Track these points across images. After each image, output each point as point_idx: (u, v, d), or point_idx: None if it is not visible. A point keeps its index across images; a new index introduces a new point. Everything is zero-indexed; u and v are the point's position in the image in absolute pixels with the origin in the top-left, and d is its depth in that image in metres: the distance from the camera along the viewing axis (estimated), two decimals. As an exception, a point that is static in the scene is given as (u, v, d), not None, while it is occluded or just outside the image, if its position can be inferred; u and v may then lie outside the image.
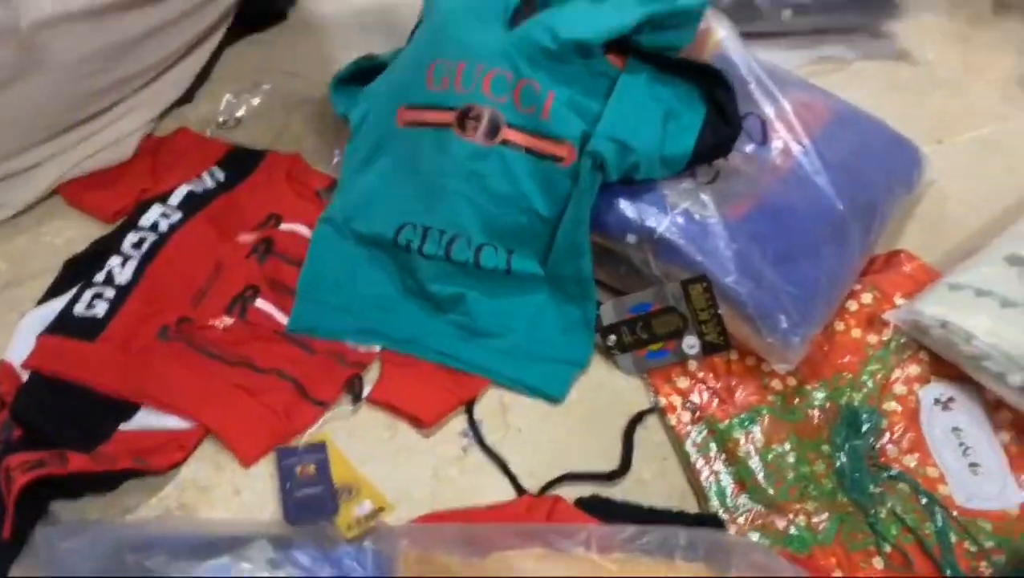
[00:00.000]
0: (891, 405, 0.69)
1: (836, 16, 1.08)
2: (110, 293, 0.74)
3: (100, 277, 0.75)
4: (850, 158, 0.78)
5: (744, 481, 0.66)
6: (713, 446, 0.68)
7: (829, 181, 0.75)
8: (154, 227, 0.80)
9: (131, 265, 0.76)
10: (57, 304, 0.74)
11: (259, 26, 1.08)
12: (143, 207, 0.82)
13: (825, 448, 0.68)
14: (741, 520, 0.64)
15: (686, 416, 0.70)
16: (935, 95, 1.05)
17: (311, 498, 0.63)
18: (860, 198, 0.76)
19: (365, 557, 0.59)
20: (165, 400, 0.67)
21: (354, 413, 0.70)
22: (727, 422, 0.69)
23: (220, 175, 0.87)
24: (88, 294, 0.74)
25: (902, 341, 0.72)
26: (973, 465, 0.67)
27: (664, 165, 0.72)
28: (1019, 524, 0.63)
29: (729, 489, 0.66)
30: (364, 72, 0.84)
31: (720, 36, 0.81)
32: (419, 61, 0.77)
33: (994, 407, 0.69)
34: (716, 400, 0.71)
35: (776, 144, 0.77)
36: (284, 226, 0.82)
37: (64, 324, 0.72)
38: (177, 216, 0.81)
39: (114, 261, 0.77)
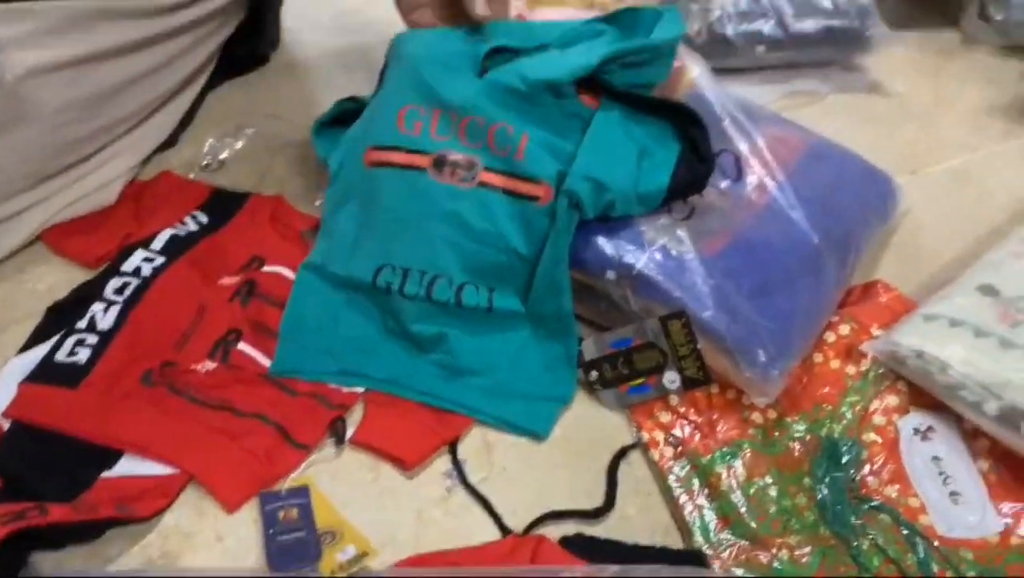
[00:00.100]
0: (871, 436, 0.70)
1: (809, 51, 1.11)
2: (92, 339, 0.74)
3: (82, 324, 0.75)
4: (825, 191, 0.79)
5: (727, 516, 0.66)
6: (696, 481, 0.68)
7: (804, 215, 0.76)
8: (137, 272, 0.80)
9: (114, 311, 0.76)
10: (40, 351, 0.74)
11: (242, 69, 1.10)
12: (126, 252, 0.82)
13: (807, 481, 0.68)
14: (725, 555, 0.64)
15: (668, 451, 0.70)
16: (907, 127, 1.07)
17: (294, 543, 0.62)
18: (835, 231, 0.77)
19: (349, 603, 0.59)
20: (147, 446, 0.67)
21: (337, 456, 0.70)
22: (709, 457, 0.69)
23: (203, 218, 0.88)
24: (70, 341, 0.74)
25: (880, 372, 0.73)
26: (954, 494, 0.67)
27: (640, 202, 0.73)
28: (999, 552, 0.64)
29: (713, 524, 0.66)
30: (347, 114, 0.85)
31: (694, 74, 0.83)
32: (390, 105, 0.78)
33: (972, 436, 0.69)
34: (698, 434, 0.71)
35: (751, 180, 0.78)
36: (267, 268, 0.83)
37: (46, 371, 0.72)
38: (160, 260, 0.81)
39: (97, 307, 0.77)
